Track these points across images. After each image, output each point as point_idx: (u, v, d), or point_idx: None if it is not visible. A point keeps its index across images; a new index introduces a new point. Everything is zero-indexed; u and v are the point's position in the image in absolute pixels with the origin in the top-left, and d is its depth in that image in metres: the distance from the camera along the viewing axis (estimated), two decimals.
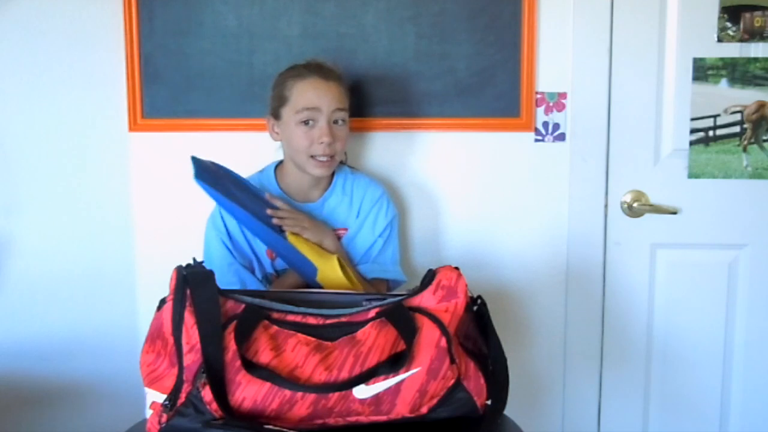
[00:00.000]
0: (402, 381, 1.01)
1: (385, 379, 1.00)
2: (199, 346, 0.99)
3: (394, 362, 1.01)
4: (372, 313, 1.07)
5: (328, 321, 1.06)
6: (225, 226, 1.41)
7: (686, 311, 1.76)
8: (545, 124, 1.70)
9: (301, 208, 1.47)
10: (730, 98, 1.69)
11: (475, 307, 1.13)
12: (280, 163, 1.53)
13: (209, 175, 1.37)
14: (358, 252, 1.48)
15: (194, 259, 1.12)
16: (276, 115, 1.46)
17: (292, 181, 1.49)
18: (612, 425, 1.80)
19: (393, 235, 1.52)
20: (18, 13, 1.61)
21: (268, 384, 0.99)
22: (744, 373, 1.77)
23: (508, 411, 1.13)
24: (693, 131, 1.70)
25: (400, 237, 1.58)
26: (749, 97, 1.68)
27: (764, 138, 1.70)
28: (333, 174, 1.51)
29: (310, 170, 1.43)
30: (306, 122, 1.41)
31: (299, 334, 1.04)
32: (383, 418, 1.02)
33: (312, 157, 1.41)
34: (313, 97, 1.41)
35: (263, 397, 0.99)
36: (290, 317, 1.06)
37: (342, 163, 1.56)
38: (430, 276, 1.12)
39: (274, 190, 1.47)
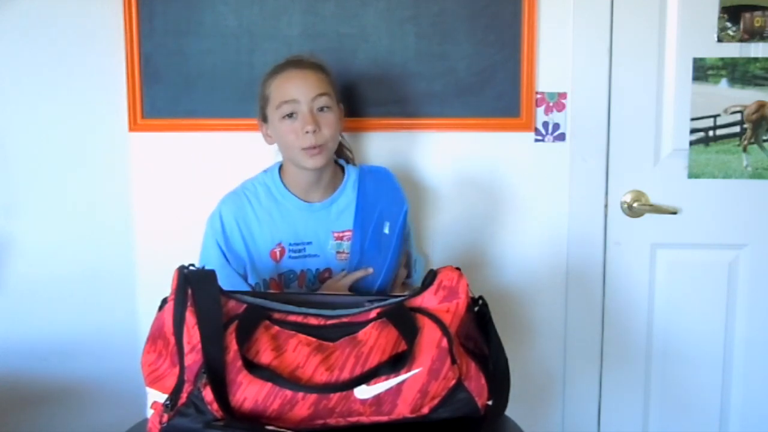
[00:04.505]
0: (403, 381, 1.01)
1: (386, 379, 1.00)
2: (200, 346, 0.99)
3: (395, 362, 1.01)
4: (373, 314, 1.07)
5: (330, 321, 1.06)
6: (222, 227, 1.40)
7: (686, 311, 1.76)
8: (545, 124, 1.70)
9: (307, 208, 1.45)
10: (730, 98, 1.69)
11: (476, 308, 1.12)
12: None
13: None
14: None
15: (192, 265, 1.11)
16: (264, 118, 1.45)
17: (295, 181, 1.45)
18: (612, 425, 1.80)
19: (410, 230, 1.55)
20: (18, 13, 1.60)
21: (269, 384, 0.98)
22: (744, 373, 1.77)
23: (509, 411, 1.14)
24: (693, 131, 1.70)
25: None
26: (749, 97, 1.69)
27: (764, 138, 1.70)
28: (343, 174, 1.49)
29: (304, 163, 1.39)
30: (289, 116, 1.38)
31: (300, 335, 1.03)
32: (384, 418, 1.02)
33: (303, 149, 1.38)
34: (289, 88, 1.39)
35: (264, 397, 0.98)
36: (291, 318, 1.06)
37: (348, 162, 1.55)
38: (431, 276, 1.12)
39: (279, 190, 1.45)
